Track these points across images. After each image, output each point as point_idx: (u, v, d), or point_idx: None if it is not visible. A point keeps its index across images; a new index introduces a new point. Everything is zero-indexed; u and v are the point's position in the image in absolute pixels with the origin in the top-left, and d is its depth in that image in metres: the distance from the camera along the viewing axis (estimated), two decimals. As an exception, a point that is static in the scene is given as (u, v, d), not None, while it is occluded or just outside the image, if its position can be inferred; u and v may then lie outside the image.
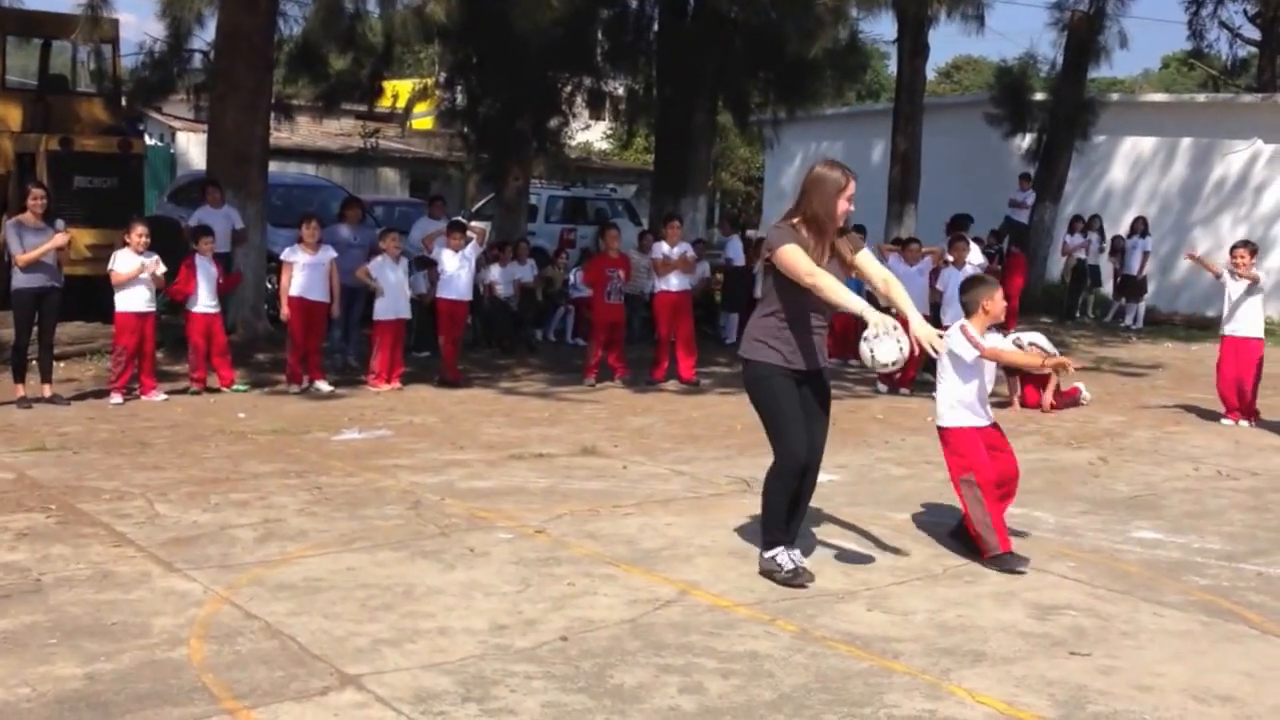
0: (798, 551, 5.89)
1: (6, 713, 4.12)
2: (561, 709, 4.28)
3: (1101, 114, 21.02)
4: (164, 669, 4.54)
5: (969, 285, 6.54)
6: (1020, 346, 11.63)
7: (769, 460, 8.55)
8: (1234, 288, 10.76)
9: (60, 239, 10.07)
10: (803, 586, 5.69)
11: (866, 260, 5.75)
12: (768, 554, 5.84)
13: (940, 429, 6.32)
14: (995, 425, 6.39)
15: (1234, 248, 10.95)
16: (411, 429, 9.63)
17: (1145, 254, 20.02)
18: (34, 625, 4.97)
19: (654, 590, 5.65)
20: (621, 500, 7.25)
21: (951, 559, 6.33)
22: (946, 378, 6.27)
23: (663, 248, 12.76)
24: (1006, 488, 6.36)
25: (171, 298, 11.34)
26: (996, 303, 6.29)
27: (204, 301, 11.04)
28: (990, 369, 6.40)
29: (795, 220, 5.70)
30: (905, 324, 5.46)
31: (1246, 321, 10.75)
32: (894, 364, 5.45)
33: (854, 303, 5.45)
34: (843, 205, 5.65)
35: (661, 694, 4.44)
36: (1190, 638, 5.25)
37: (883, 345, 5.35)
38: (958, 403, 6.25)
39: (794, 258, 5.51)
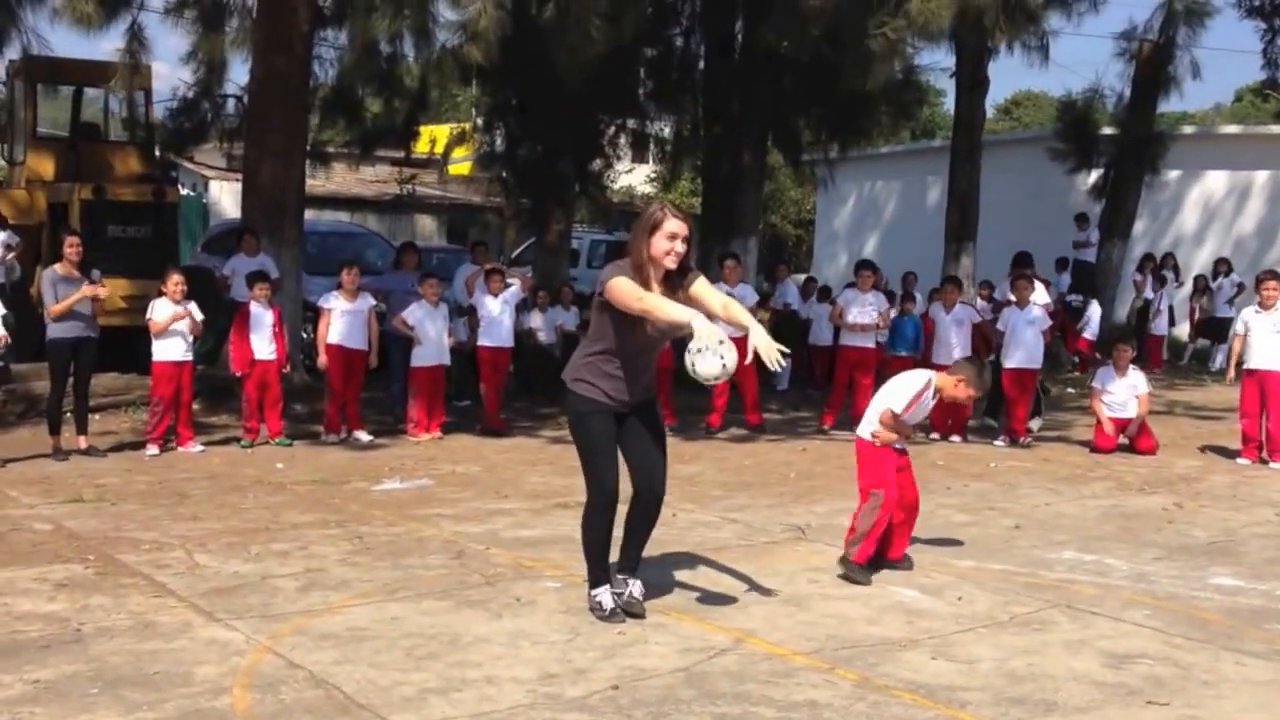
0: (638, 583, 5.84)
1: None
2: (617, 763, 4.08)
3: (1172, 147, 20.08)
4: (208, 718, 4.39)
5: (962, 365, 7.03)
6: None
7: (824, 507, 8.31)
8: (1258, 323, 10.53)
9: (100, 291, 9.96)
10: (620, 621, 5.65)
11: (703, 289, 5.61)
12: (591, 591, 5.82)
13: (858, 439, 6.74)
14: (904, 452, 6.82)
15: (1260, 278, 10.72)
16: (454, 478, 9.47)
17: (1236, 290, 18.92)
18: (75, 675, 4.83)
19: (707, 638, 5.44)
20: (670, 549, 7.03)
21: (1019, 606, 6.08)
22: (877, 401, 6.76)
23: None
24: (907, 514, 6.79)
25: (237, 369, 10.93)
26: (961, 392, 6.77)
27: (259, 349, 10.84)
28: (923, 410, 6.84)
29: (624, 262, 5.60)
30: (741, 343, 5.31)
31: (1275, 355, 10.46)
32: (715, 378, 5.27)
33: (682, 314, 5.29)
34: (661, 244, 5.45)
35: (721, 747, 4.24)
36: (1276, 687, 5.00)
37: (704, 359, 5.18)
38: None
39: (622, 288, 5.41)
